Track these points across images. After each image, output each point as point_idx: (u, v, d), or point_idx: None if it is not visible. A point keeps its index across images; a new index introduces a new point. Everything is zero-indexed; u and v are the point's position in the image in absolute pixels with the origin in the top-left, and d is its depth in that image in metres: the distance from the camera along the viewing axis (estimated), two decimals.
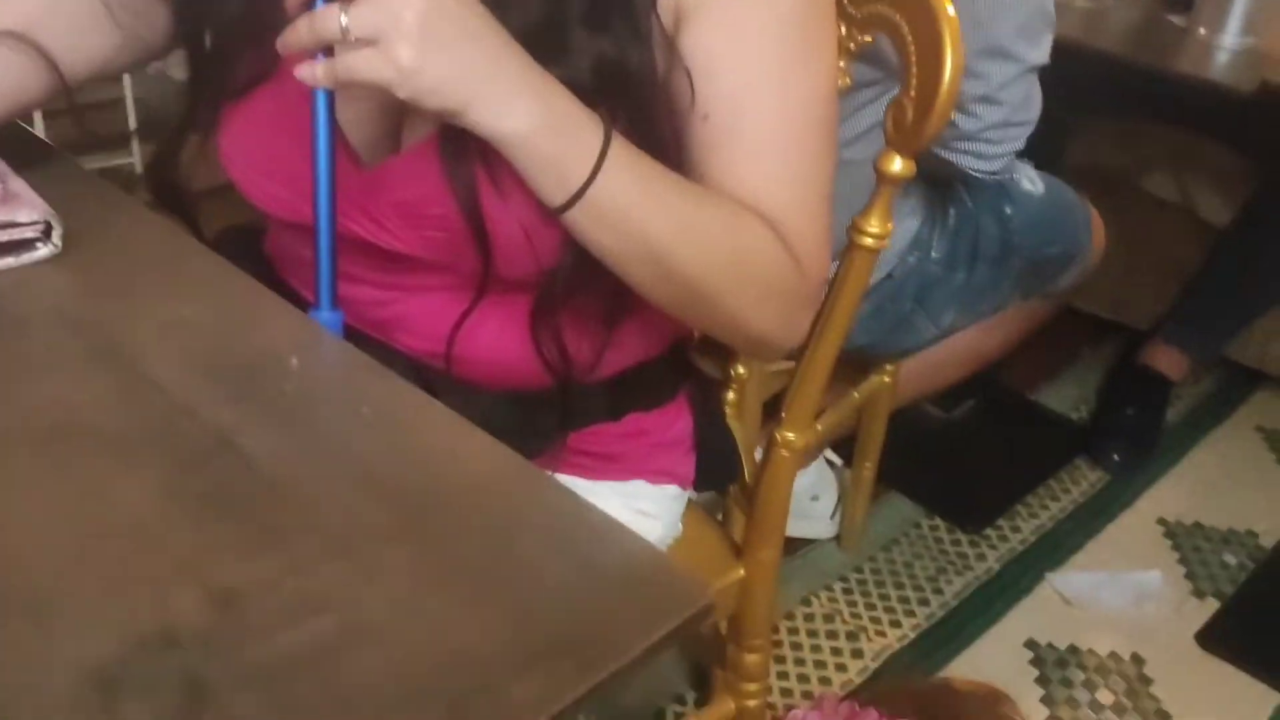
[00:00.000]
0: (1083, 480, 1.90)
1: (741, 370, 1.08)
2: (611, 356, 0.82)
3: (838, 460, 1.77)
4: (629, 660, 0.45)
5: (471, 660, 0.45)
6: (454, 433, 0.58)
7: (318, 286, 0.72)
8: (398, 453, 0.56)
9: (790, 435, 0.94)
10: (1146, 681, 1.51)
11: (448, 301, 0.77)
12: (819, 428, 1.50)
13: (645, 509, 0.91)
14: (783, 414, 0.94)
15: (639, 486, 0.91)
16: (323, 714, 0.42)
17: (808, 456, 1.68)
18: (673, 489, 0.93)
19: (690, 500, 1.06)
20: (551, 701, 0.43)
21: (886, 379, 1.56)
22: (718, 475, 0.98)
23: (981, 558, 1.72)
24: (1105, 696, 1.48)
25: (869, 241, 0.85)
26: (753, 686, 1.06)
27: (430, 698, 0.43)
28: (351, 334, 0.77)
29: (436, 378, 0.78)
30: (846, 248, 0.87)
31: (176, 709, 0.42)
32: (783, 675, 1.51)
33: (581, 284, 0.74)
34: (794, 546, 1.72)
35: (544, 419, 0.81)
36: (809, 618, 1.60)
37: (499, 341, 0.79)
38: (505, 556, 0.51)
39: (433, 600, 0.48)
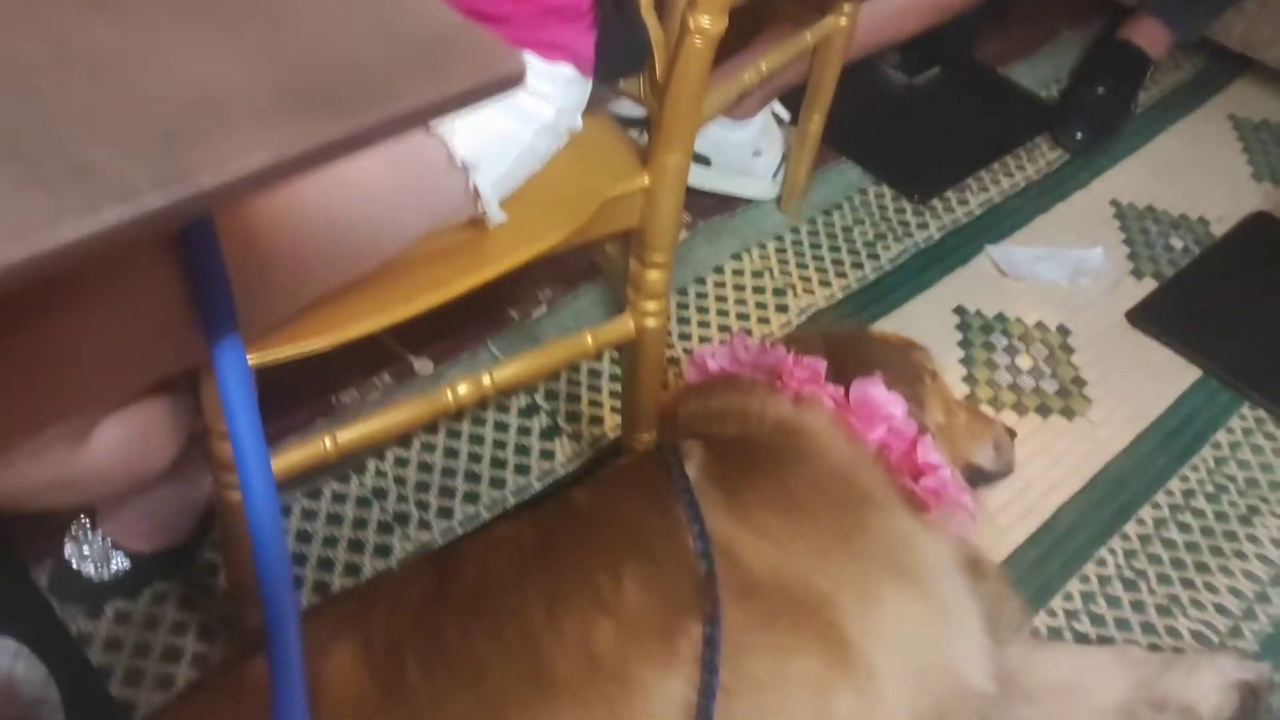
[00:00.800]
0: (1040, 159, 1.83)
1: None
2: None
3: (785, 115, 1.67)
4: (402, 112, 0.38)
5: (210, 97, 0.37)
6: None
7: None
8: None
9: (704, 20, 0.84)
10: (1069, 350, 1.50)
11: None
12: (763, 67, 1.40)
13: (536, 87, 0.82)
14: None
15: (529, 60, 0.81)
16: (10, 134, 0.35)
17: (751, 107, 1.59)
18: (568, 69, 0.84)
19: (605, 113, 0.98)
20: (293, 142, 0.36)
21: (843, 21, 1.44)
22: (621, 61, 0.89)
23: (923, 226, 1.67)
24: (1024, 361, 1.48)
25: None
26: (652, 305, 1.02)
27: (145, 126, 0.36)
28: None
29: None
30: None
31: None
32: (704, 324, 1.48)
33: None
34: (732, 205, 1.66)
35: None
36: (738, 272, 1.56)
37: None
38: (283, 10, 0.42)
39: (181, 38, 0.40)
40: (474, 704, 0.85)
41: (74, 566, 1.06)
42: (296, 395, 1.28)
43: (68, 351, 0.61)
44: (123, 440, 0.74)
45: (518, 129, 0.81)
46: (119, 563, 1.07)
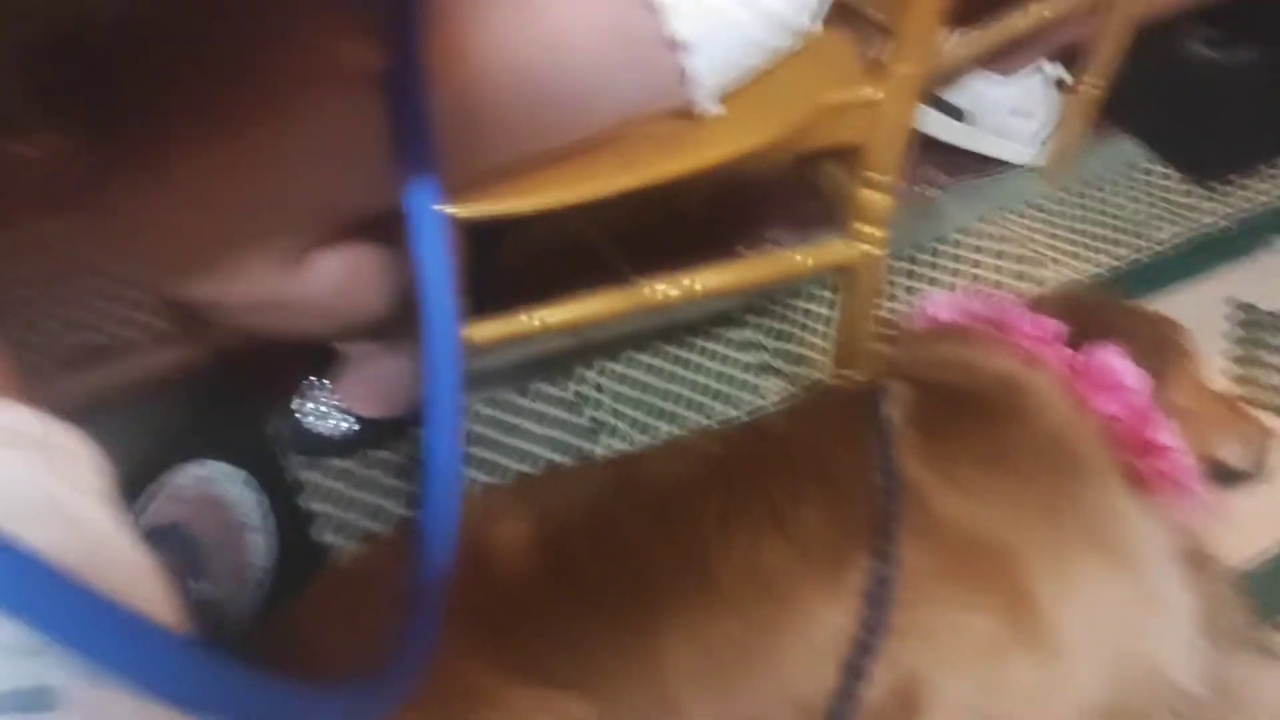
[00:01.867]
0: None
1: None
2: None
3: (1066, 77, 1.55)
4: None
5: None
6: None
7: None
8: None
9: None
10: None
11: None
12: (1040, 14, 1.30)
13: None
14: None
15: None
16: None
17: (1018, 62, 1.49)
18: None
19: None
20: None
21: None
22: None
23: (1206, 211, 1.52)
24: None
25: None
26: (871, 231, 0.98)
27: None
28: None
29: None
30: None
31: None
32: (941, 286, 1.41)
33: None
34: (990, 168, 1.57)
35: None
36: (987, 235, 1.47)
37: None
38: None
39: None
40: (633, 595, 0.85)
41: (301, 419, 1.15)
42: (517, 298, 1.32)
43: (270, 169, 0.66)
44: (337, 272, 0.79)
45: (741, 16, 0.79)
46: (343, 423, 1.15)
